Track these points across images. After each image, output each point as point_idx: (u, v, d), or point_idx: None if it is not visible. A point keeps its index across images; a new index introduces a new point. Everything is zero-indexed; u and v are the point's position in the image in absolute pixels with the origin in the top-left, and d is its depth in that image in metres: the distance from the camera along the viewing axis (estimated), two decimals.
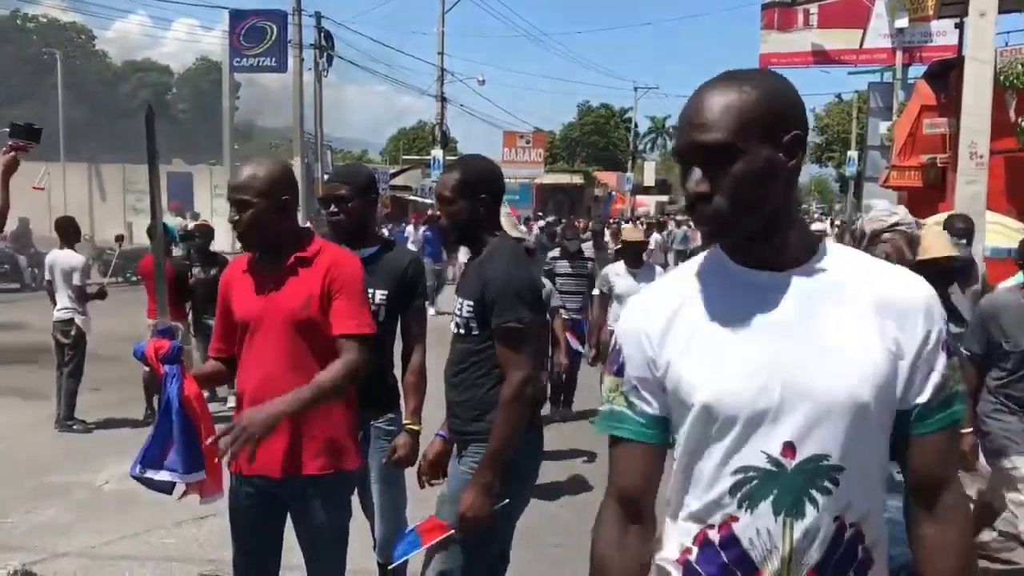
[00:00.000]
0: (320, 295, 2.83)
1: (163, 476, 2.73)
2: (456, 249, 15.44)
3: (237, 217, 2.81)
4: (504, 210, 4.96)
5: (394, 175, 37.97)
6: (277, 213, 2.83)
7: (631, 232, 8.25)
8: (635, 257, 7.55)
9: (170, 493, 2.81)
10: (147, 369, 2.81)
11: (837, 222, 33.75)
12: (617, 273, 7.46)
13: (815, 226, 18.33)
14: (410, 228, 19.75)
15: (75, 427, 7.77)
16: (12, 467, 6.72)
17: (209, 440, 2.64)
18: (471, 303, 2.89)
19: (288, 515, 2.99)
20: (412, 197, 35.78)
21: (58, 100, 39.58)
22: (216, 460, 2.75)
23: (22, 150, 4.07)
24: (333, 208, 3.58)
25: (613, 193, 52.62)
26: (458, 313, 2.97)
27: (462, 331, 2.96)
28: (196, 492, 2.81)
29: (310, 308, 2.80)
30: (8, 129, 4.16)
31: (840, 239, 21.61)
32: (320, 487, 2.88)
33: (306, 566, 3.04)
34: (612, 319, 7.28)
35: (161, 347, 2.74)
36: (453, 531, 2.80)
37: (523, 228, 6.23)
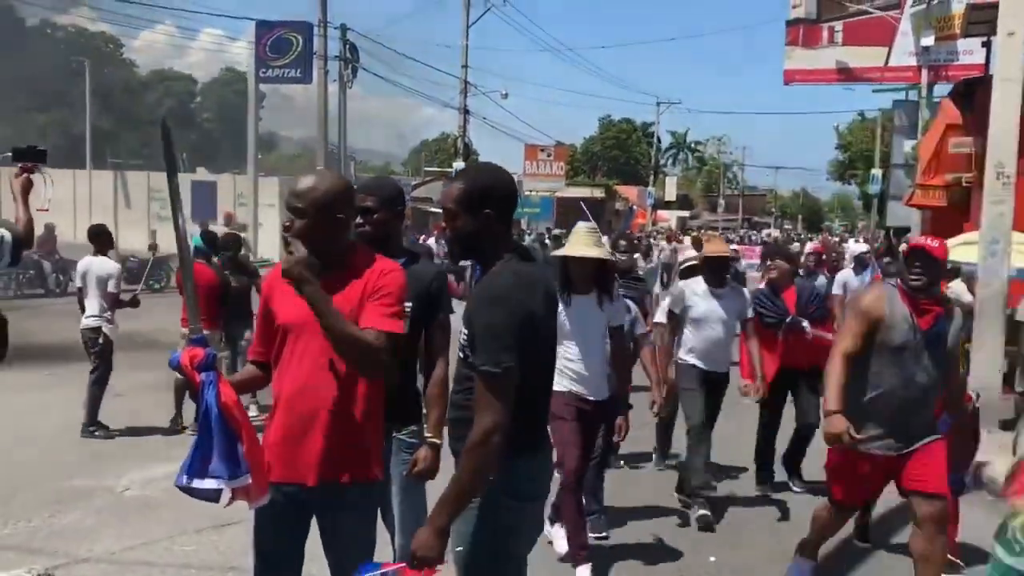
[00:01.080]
0: (361, 301, 2.85)
1: (208, 484, 2.74)
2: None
3: (289, 224, 2.85)
4: (587, 225, 5.12)
5: (416, 187, 38.11)
6: (330, 228, 2.86)
7: (716, 245, 6.89)
8: (718, 275, 6.11)
9: (217, 501, 2.80)
10: (179, 377, 2.84)
11: (861, 240, 33.48)
12: (696, 292, 6.10)
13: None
14: (431, 240, 19.31)
15: (97, 433, 7.82)
16: (35, 471, 6.77)
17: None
18: (467, 333, 2.76)
19: (312, 526, 3.00)
20: (433, 209, 35.88)
21: (86, 108, 39.96)
22: (257, 469, 2.78)
23: (31, 171, 4.35)
24: (359, 219, 3.59)
25: (634, 207, 52.59)
26: (460, 337, 2.84)
27: (461, 355, 2.83)
28: (243, 497, 2.80)
29: (352, 317, 2.80)
30: (11, 153, 4.43)
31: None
32: (352, 495, 2.90)
33: (332, 570, 3.03)
34: (683, 350, 6.13)
35: (196, 356, 2.75)
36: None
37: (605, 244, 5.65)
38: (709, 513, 5.94)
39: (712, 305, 6.04)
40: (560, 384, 4.60)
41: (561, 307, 4.52)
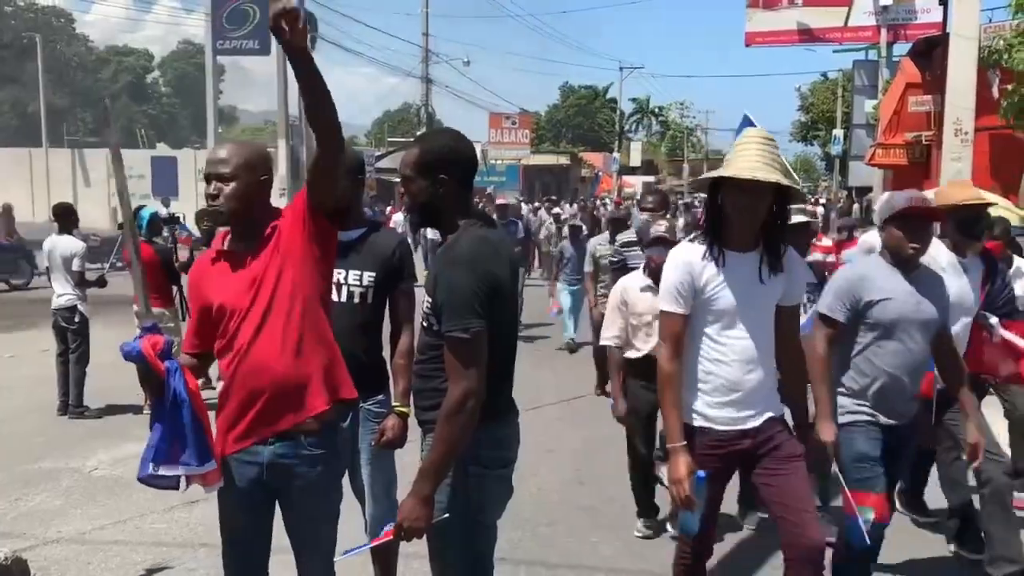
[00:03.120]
0: (279, 240, 2.82)
1: (177, 471, 2.72)
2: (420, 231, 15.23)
3: (217, 192, 2.81)
4: (758, 132, 3.35)
5: (380, 157, 37.84)
6: (256, 189, 2.86)
7: (963, 190, 4.85)
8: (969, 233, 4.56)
9: (176, 488, 2.78)
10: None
11: (823, 201, 33.72)
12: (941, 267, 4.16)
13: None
14: (398, 215, 18.78)
15: (86, 413, 7.80)
16: (0, 454, 6.70)
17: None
18: (430, 300, 2.72)
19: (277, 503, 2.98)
20: (397, 179, 35.67)
21: (39, 85, 39.15)
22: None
23: None
24: None
25: (600, 174, 52.62)
26: (423, 306, 2.81)
27: (424, 324, 2.80)
28: (200, 482, 2.78)
29: (281, 271, 2.78)
30: None
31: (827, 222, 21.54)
32: (312, 438, 2.85)
33: (295, 551, 2.99)
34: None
35: (157, 344, 2.69)
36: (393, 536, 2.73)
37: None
38: None
39: (962, 283, 4.34)
40: (702, 412, 3.24)
41: (704, 271, 3.19)
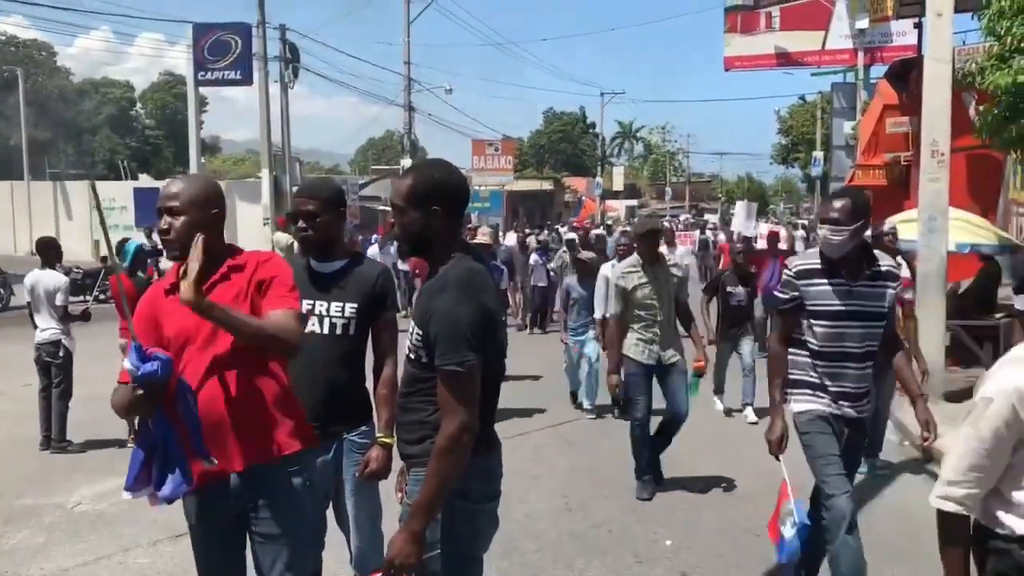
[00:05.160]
0: (249, 291, 2.85)
1: (176, 493, 2.74)
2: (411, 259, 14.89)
3: (168, 227, 2.84)
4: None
5: (363, 185, 37.86)
6: (208, 224, 2.86)
7: None
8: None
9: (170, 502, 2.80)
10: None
11: (803, 222, 33.98)
12: None
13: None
14: (373, 249, 18.01)
15: (68, 448, 7.74)
16: None
17: None
18: (420, 332, 2.69)
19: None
20: (382, 207, 35.70)
21: (20, 118, 39.04)
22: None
23: None
24: (301, 224, 3.58)
25: (583, 198, 52.82)
26: (410, 338, 2.78)
27: (412, 356, 2.77)
28: (150, 500, 2.79)
29: (240, 308, 2.80)
30: None
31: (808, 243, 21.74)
32: (275, 473, 2.87)
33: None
34: None
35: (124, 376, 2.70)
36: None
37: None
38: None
39: None
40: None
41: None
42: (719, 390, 9.25)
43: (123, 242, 9.19)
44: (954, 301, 9.75)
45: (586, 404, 9.00)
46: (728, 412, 9.01)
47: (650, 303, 6.24)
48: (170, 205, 2.85)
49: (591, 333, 8.81)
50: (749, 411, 8.73)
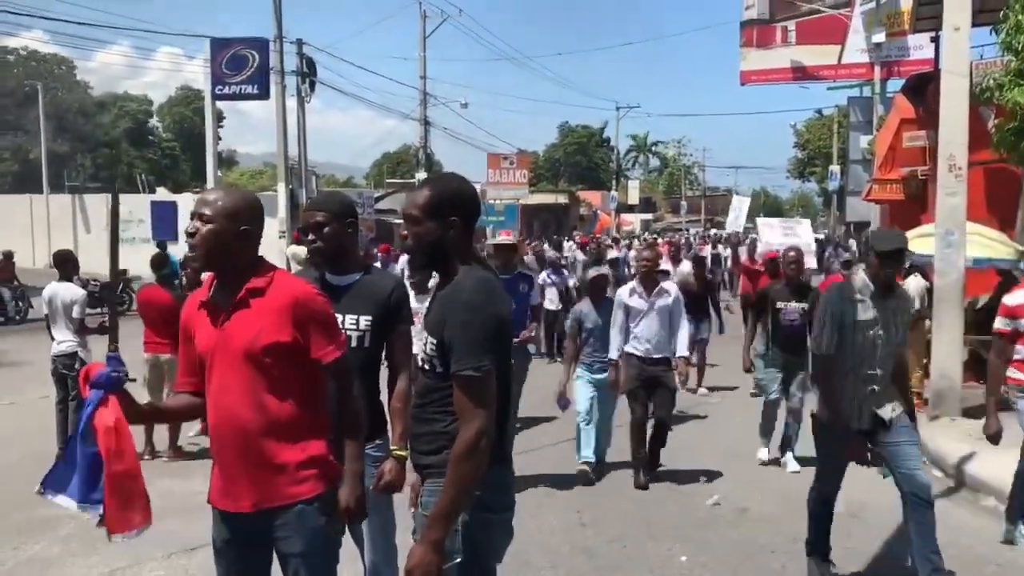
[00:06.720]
0: (278, 327, 2.80)
1: (61, 501, 2.74)
2: (420, 274, 14.44)
3: (194, 231, 2.83)
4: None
5: (379, 199, 38.00)
6: (234, 237, 2.83)
7: None
8: None
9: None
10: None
11: (819, 237, 33.85)
12: None
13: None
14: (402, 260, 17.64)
15: None
16: None
17: None
18: (435, 341, 2.71)
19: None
20: (397, 220, 35.81)
21: (40, 132, 39.41)
22: (116, 499, 2.71)
23: None
24: (311, 236, 3.58)
25: (598, 212, 52.82)
26: (423, 348, 2.79)
27: (426, 367, 2.79)
28: (108, 527, 2.75)
29: (261, 340, 2.77)
30: None
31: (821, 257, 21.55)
32: (290, 516, 2.83)
33: None
34: None
35: (91, 371, 2.71)
36: None
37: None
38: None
39: None
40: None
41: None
42: (766, 432, 7.72)
43: (166, 256, 9.31)
44: (971, 316, 9.67)
45: (586, 454, 7.19)
46: (768, 463, 7.62)
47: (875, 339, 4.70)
48: (202, 211, 2.83)
49: (608, 375, 7.05)
50: (790, 457, 7.42)
